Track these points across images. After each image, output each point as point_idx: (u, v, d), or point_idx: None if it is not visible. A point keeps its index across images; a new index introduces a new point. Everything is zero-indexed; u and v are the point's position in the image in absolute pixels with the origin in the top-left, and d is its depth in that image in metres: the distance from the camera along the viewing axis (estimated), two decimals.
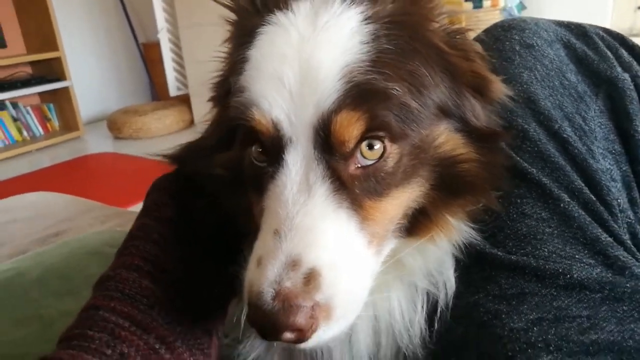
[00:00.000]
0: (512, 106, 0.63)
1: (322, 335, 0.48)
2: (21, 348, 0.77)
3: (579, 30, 0.71)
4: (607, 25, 0.68)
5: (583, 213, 0.59)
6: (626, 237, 0.60)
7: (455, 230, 0.59)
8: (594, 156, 0.62)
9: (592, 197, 0.60)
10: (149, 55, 5.70)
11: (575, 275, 0.54)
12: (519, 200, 0.60)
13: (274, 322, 0.46)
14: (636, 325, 0.51)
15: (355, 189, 0.52)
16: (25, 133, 4.81)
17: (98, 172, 4.06)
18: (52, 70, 4.81)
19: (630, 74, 0.67)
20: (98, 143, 4.80)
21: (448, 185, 0.56)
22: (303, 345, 0.48)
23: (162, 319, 0.54)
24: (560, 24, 0.72)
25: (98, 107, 5.60)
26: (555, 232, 0.58)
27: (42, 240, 1.17)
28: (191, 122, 5.01)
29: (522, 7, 4.41)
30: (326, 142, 0.51)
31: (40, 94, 4.99)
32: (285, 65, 0.52)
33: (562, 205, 0.59)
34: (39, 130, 4.91)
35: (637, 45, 0.71)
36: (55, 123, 5.07)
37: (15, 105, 4.76)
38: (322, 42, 0.52)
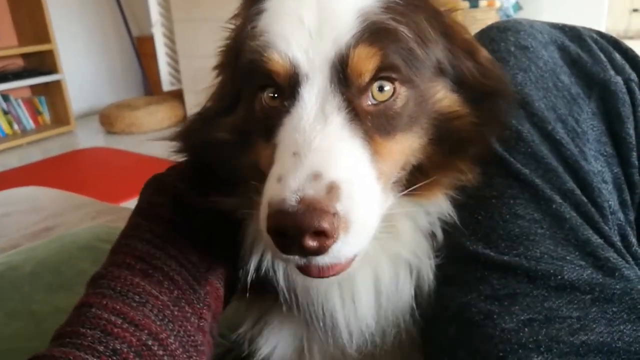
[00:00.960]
0: (505, 106, 0.64)
1: (340, 249, 0.49)
2: (11, 343, 0.77)
3: (573, 33, 0.72)
4: (602, 28, 0.68)
5: (575, 215, 0.59)
6: (616, 238, 0.61)
7: (443, 197, 0.62)
8: (586, 158, 0.63)
9: (584, 198, 0.60)
10: (143, 50, 5.66)
11: (566, 277, 0.55)
12: (512, 201, 0.60)
13: (299, 222, 0.46)
14: (625, 326, 0.51)
15: (367, 122, 0.55)
16: (15, 126, 4.77)
17: (89, 167, 4.03)
18: (44, 63, 4.78)
19: (622, 77, 0.67)
20: (90, 137, 4.77)
21: (444, 140, 0.59)
22: (321, 259, 0.49)
23: (154, 316, 0.54)
24: (555, 26, 0.73)
25: (90, 101, 5.57)
26: (547, 233, 0.58)
27: (34, 234, 1.16)
28: (184, 118, 4.99)
29: (518, 7, 4.43)
30: (343, 75, 0.54)
31: (32, 86, 4.95)
32: (304, 8, 0.56)
33: (554, 206, 0.59)
34: (29, 123, 4.87)
35: (630, 48, 0.71)
36: (47, 116, 5.03)
37: (6, 97, 4.71)
38: (335, 4, 0.56)
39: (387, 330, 0.65)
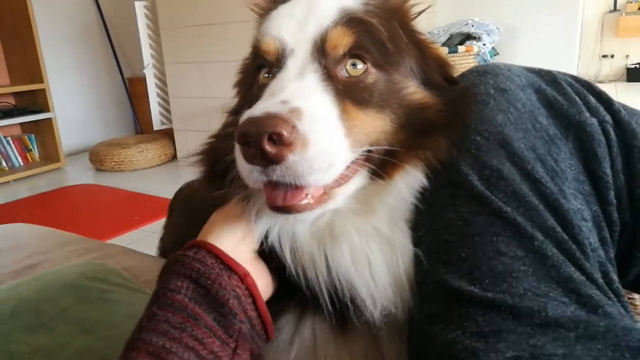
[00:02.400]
0: (487, 146, 0.66)
1: (298, 164, 0.54)
2: None
3: (549, 77, 0.74)
4: (574, 72, 0.72)
5: (556, 252, 0.60)
6: (598, 275, 0.61)
7: (412, 175, 0.66)
8: (565, 196, 0.64)
9: (565, 236, 0.61)
10: (134, 90, 5.74)
11: (550, 314, 0.55)
12: (494, 239, 0.61)
13: (259, 123, 0.53)
14: None
15: (339, 87, 0.62)
16: (4, 163, 4.74)
17: (77, 204, 3.99)
18: (35, 102, 4.80)
19: (597, 119, 0.69)
20: (79, 175, 4.75)
21: (414, 125, 0.65)
22: (279, 171, 0.54)
23: None
24: (531, 70, 0.75)
25: (81, 139, 5.58)
26: (530, 270, 0.59)
27: (18, 272, 1.14)
28: (174, 156, 5.00)
29: (494, 52, 4.58)
30: (321, 48, 0.63)
31: (22, 124, 4.95)
32: (296, 6, 0.68)
33: (536, 243, 0.60)
34: (18, 160, 4.85)
35: (604, 91, 0.74)
36: (36, 154, 5.01)
37: None
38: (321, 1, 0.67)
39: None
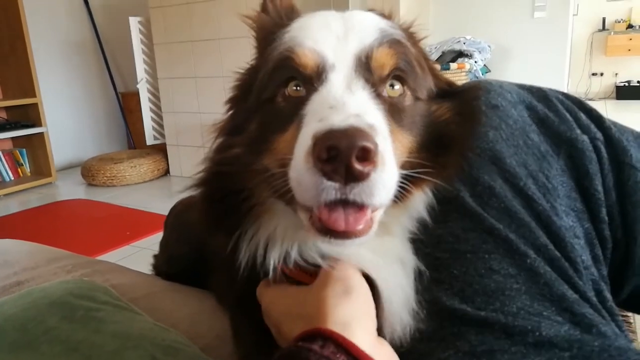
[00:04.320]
0: (479, 163, 0.65)
1: (377, 181, 0.50)
2: None
3: (540, 94, 0.74)
4: (564, 90, 0.72)
5: (549, 269, 0.59)
6: (591, 294, 0.61)
7: (425, 194, 0.65)
8: (557, 213, 0.64)
9: (557, 253, 0.61)
10: (127, 105, 5.73)
11: (544, 333, 0.54)
12: (486, 256, 0.61)
13: (349, 136, 0.49)
14: None
15: (386, 106, 0.59)
16: None
17: (69, 219, 3.95)
18: (27, 116, 4.78)
19: (588, 136, 0.69)
20: (70, 190, 4.72)
21: (437, 143, 0.64)
22: (359, 191, 0.50)
23: None
24: (523, 87, 0.76)
25: (73, 153, 5.56)
26: (523, 288, 0.58)
27: (4, 289, 1.11)
28: (166, 171, 4.98)
29: (486, 70, 4.64)
30: (366, 65, 0.60)
31: (14, 138, 4.92)
32: (331, 20, 0.65)
33: (528, 261, 0.59)
34: (9, 175, 4.81)
35: (594, 108, 0.74)
36: (27, 168, 4.98)
37: None
38: (358, 14, 0.66)
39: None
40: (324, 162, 0.49)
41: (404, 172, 0.58)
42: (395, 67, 0.62)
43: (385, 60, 0.61)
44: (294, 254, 0.61)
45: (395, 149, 0.57)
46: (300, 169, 0.52)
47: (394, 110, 0.60)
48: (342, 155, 0.48)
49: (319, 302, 0.56)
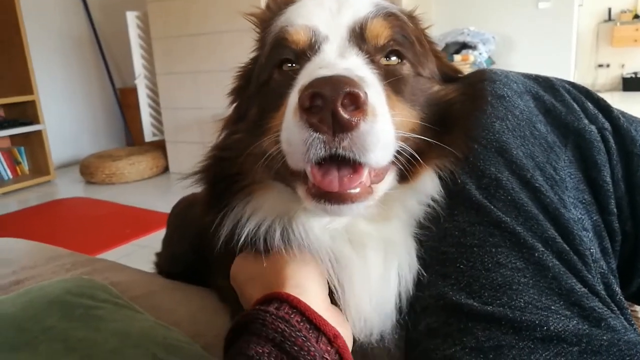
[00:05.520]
0: (485, 154, 0.64)
1: (368, 133, 0.49)
2: None
3: (546, 83, 0.73)
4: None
5: (557, 263, 0.58)
6: (600, 287, 0.60)
7: (430, 177, 0.64)
8: (565, 205, 0.63)
9: (566, 246, 0.60)
10: (125, 101, 5.71)
11: (552, 327, 0.53)
12: (493, 250, 0.59)
13: (333, 82, 0.48)
14: None
15: (382, 71, 0.59)
16: None
17: (67, 217, 3.94)
18: (25, 114, 4.76)
19: (596, 126, 0.68)
20: (69, 188, 4.70)
21: (442, 122, 0.64)
22: (348, 140, 0.49)
23: None
24: (529, 76, 0.75)
25: (71, 151, 5.54)
26: (531, 282, 0.57)
27: (3, 288, 1.10)
28: (166, 168, 4.97)
29: (490, 62, 4.63)
30: (360, 35, 0.60)
31: (12, 137, 4.90)
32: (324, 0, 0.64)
33: (536, 254, 0.58)
34: (7, 174, 4.80)
35: (602, 98, 0.73)
36: (25, 167, 4.96)
37: None
38: None
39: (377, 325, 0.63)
40: (310, 112, 0.48)
41: (407, 146, 0.58)
42: (391, 39, 0.62)
43: (380, 30, 0.61)
44: (275, 226, 0.62)
45: (394, 116, 0.56)
46: (288, 127, 0.52)
47: (391, 78, 0.60)
48: (327, 101, 0.47)
49: (279, 269, 0.60)
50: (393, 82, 0.60)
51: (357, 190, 0.53)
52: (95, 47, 5.73)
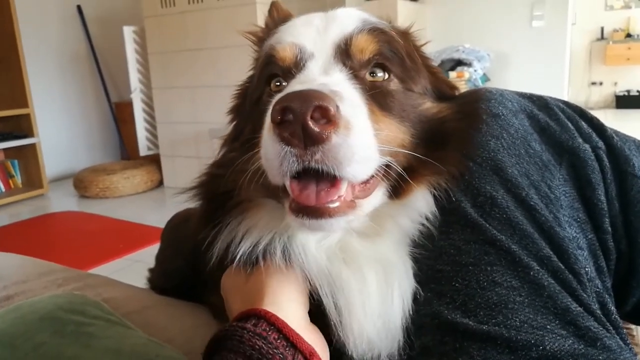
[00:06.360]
0: (480, 172, 0.64)
1: (341, 146, 0.49)
2: None
3: (541, 102, 0.74)
4: (564, 99, 0.71)
5: (553, 282, 0.58)
6: (595, 306, 0.60)
7: (422, 195, 0.64)
8: (560, 224, 0.63)
9: (561, 265, 0.59)
10: (121, 115, 5.72)
11: (547, 347, 0.53)
12: (489, 268, 0.59)
13: (303, 96, 0.48)
14: None
15: (365, 87, 0.59)
16: None
17: (60, 232, 3.91)
18: (19, 127, 4.75)
19: (590, 145, 0.69)
20: (62, 201, 4.67)
21: (433, 139, 0.64)
22: (320, 153, 0.49)
23: None
24: (523, 95, 0.75)
25: (65, 164, 5.52)
26: (526, 301, 0.57)
27: None
28: (160, 183, 4.96)
29: (485, 79, 4.67)
30: (345, 51, 0.61)
31: (5, 149, 4.88)
32: (313, 17, 0.66)
33: (531, 273, 0.58)
34: (0, 187, 4.77)
35: (595, 117, 0.74)
36: (19, 180, 4.93)
37: None
38: (342, 10, 0.67)
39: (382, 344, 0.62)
40: (282, 127, 0.49)
41: (395, 162, 0.58)
42: (376, 53, 0.62)
43: (364, 45, 0.62)
44: (275, 245, 0.62)
45: (379, 130, 0.56)
46: (264, 142, 0.53)
47: (376, 93, 0.60)
48: (297, 115, 0.48)
49: (259, 284, 0.61)
50: (378, 97, 0.60)
51: (337, 204, 0.53)
52: (91, 62, 5.74)
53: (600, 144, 0.70)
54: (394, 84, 0.63)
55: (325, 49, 0.61)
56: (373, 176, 0.58)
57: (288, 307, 0.58)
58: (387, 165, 0.59)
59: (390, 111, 0.60)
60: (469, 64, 4.46)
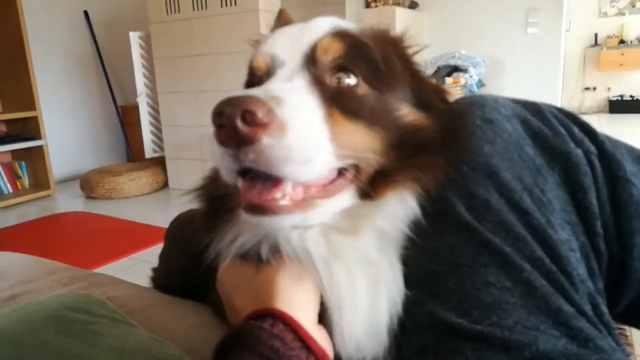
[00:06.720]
0: (474, 176, 0.66)
1: (273, 147, 0.51)
2: None
3: (533, 108, 0.75)
4: (558, 104, 0.72)
5: (545, 283, 0.59)
6: (588, 307, 0.60)
7: (405, 199, 0.64)
8: (553, 227, 0.64)
9: (553, 267, 0.60)
10: (127, 118, 5.75)
11: (541, 347, 0.54)
12: (482, 269, 0.60)
13: (233, 101, 0.51)
14: None
15: (327, 92, 0.60)
16: None
17: (67, 232, 3.93)
18: (27, 129, 4.78)
19: (582, 150, 0.70)
20: (69, 202, 4.70)
21: (407, 146, 0.64)
22: (251, 153, 0.51)
23: None
24: (517, 101, 0.76)
25: (73, 166, 5.55)
26: (519, 301, 0.58)
27: None
28: (165, 184, 4.98)
29: (481, 84, 4.69)
30: (312, 57, 0.62)
31: (13, 151, 4.92)
32: (291, 27, 0.69)
33: (524, 274, 0.59)
34: (7, 188, 4.80)
35: (587, 122, 0.75)
36: (26, 181, 4.97)
37: None
38: (320, 20, 0.68)
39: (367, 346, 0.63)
40: (219, 130, 0.52)
41: (357, 164, 0.60)
42: (341, 55, 0.63)
43: (327, 46, 0.63)
44: (251, 244, 0.65)
45: (337, 134, 0.58)
46: (210, 145, 0.56)
47: (341, 99, 0.61)
48: (227, 118, 0.51)
49: (272, 282, 0.61)
50: (342, 101, 0.61)
51: (285, 203, 0.55)
52: (98, 66, 5.79)
53: (592, 148, 0.70)
54: (363, 89, 0.63)
55: (295, 57, 0.63)
56: (339, 177, 0.60)
57: (301, 306, 0.59)
58: (357, 168, 0.61)
59: (355, 116, 0.61)
60: (464, 70, 4.48)
